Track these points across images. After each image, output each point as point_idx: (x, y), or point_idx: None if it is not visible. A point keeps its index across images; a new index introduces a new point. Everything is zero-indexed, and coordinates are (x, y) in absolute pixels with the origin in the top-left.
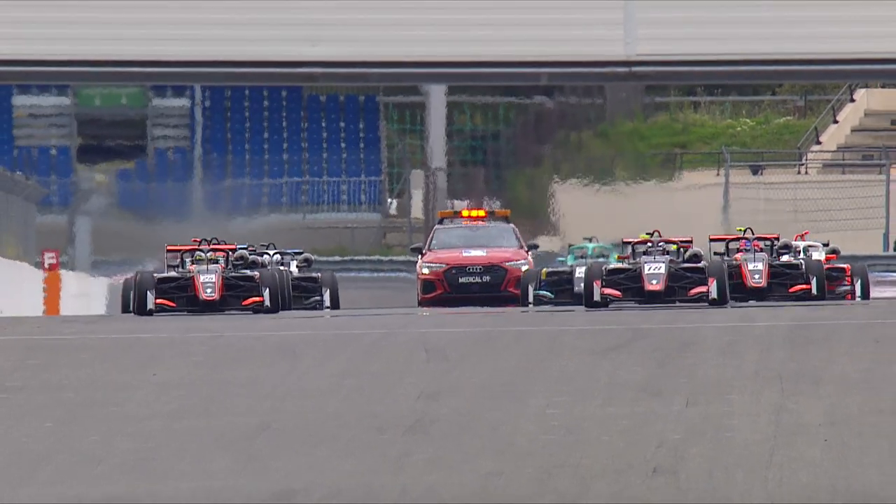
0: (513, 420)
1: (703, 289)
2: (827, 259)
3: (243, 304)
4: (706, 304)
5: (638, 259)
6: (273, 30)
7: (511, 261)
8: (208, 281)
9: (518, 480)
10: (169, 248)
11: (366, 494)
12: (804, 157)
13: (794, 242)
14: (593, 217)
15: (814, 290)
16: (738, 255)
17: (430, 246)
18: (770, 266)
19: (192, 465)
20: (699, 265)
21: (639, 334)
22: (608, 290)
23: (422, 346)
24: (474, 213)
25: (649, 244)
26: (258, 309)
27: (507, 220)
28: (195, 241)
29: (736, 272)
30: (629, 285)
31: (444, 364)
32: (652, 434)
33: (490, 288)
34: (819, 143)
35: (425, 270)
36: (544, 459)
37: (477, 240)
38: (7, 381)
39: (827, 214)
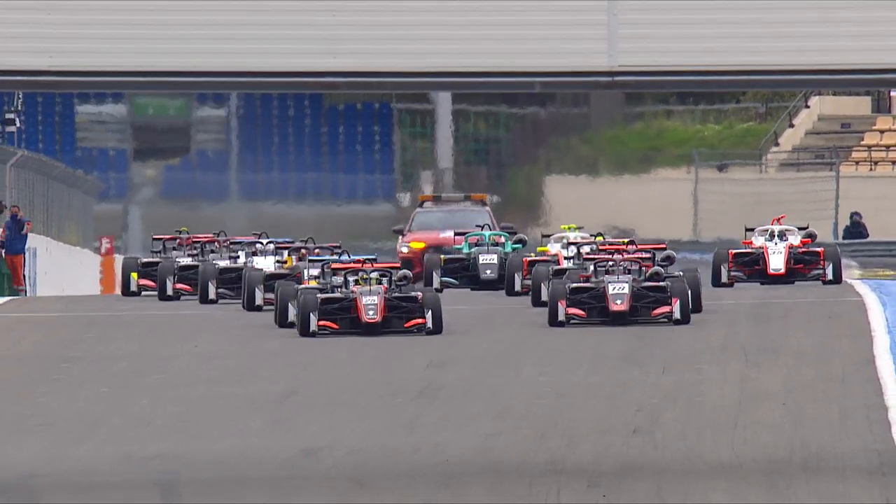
0: (510, 387)
1: (666, 309)
2: (802, 243)
3: (406, 326)
4: (671, 323)
5: (601, 278)
6: (298, 44)
7: None
8: (370, 303)
9: (515, 440)
10: (154, 237)
11: (381, 452)
12: (764, 157)
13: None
14: (579, 208)
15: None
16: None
17: (410, 227)
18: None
19: (229, 425)
20: (661, 284)
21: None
22: (573, 310)
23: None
24: (452, 196)
25: (611, 263)
26: (420, 330)
27: (483, 203)
28: (255, 234)
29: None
30: (593, 304)
31: (448, 338)
32: (632, 399)
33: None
34: (777, 144)
35: (404, 250)
36: (537, 421)
37: (454, 222)
38: (68, 352)
39: (784, 206)
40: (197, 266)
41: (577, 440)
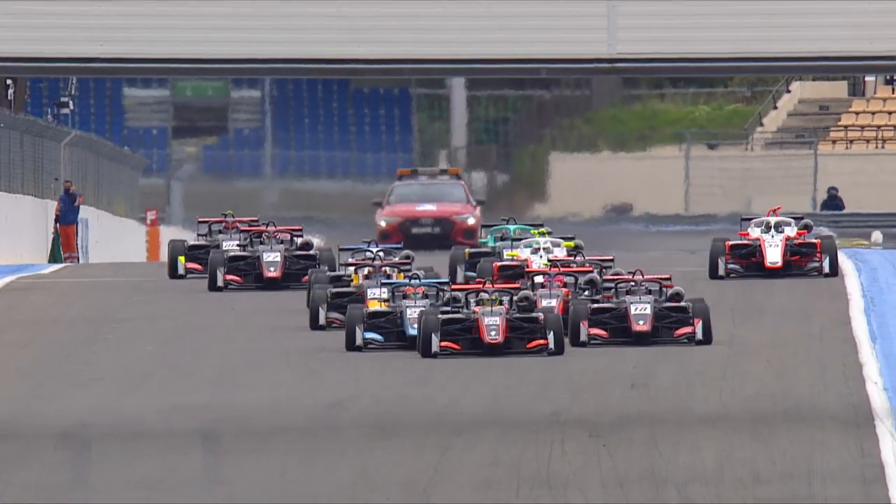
0: (515, 355)
1: (689, 329)
2: (798, 234)
3: (528, 347)
4: (692, 343)
5: (622, 298)
6: (326, 34)
7: (459, 214)
8: (493, 323)
9: (521, 392)
10: (200, 219)
11: (400, 402)
12: (750, 137)
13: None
14: (581, 183)
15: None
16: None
17: (388, 200)
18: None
19: (264, 378)
20: (682, 304)
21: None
22: (595, 331)
23: None
24: (429, 170)
25: (632, 283)
26: (542, 351)
27: (458, 177)
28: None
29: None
30: (615, 325)
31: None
32: (628, 357)
33: (440, 238)
34: (762, 125)
35: (382, 223)
36: (542, 375)
37: (430, 195)
38: (117, 314)
39: (768, 181)
40: (248, 257)
41: (579, 394)
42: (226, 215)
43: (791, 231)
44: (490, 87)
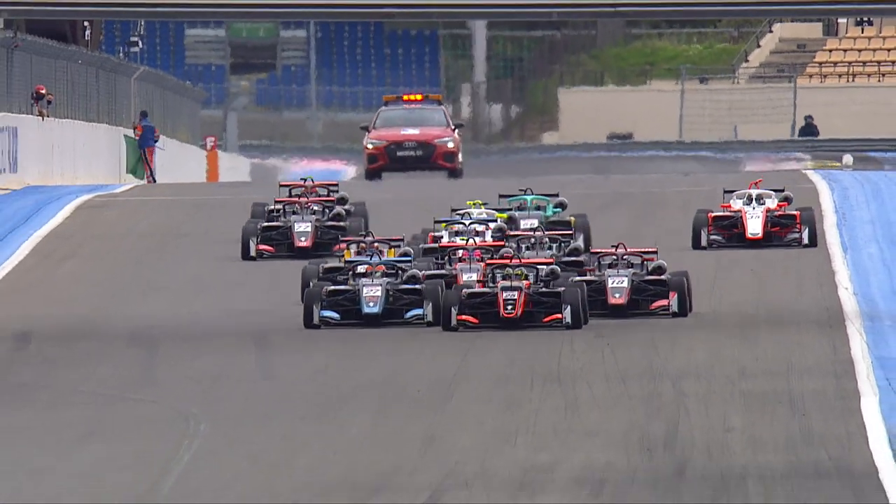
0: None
1: (664, 302)
2: (779, 206)
3: (544, 321)
4: (669, 316)
5: (603, 272)
6: None
7: (440, 138)
8: (510, 298)
9: None
10: (282, 182)
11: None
12: (737, 71)
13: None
14: (587, 113)
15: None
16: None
17: (374, 125)
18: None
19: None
20: (662, 278)
21: (619, 195)
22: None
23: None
24: (413, 96)
25: (614, 257)
26: (559, 324)
27: (439, 103)
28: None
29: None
30: (595, 297)
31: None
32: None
33: (422, 160)
34: (747, 61)
35: (370, 146)
36: None
37: (413, 120)
38: (181, 229)
39: (752, 111)
40: (280, 227)
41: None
42: (305, 179)
43: (772, 203)
44: (507, 29)
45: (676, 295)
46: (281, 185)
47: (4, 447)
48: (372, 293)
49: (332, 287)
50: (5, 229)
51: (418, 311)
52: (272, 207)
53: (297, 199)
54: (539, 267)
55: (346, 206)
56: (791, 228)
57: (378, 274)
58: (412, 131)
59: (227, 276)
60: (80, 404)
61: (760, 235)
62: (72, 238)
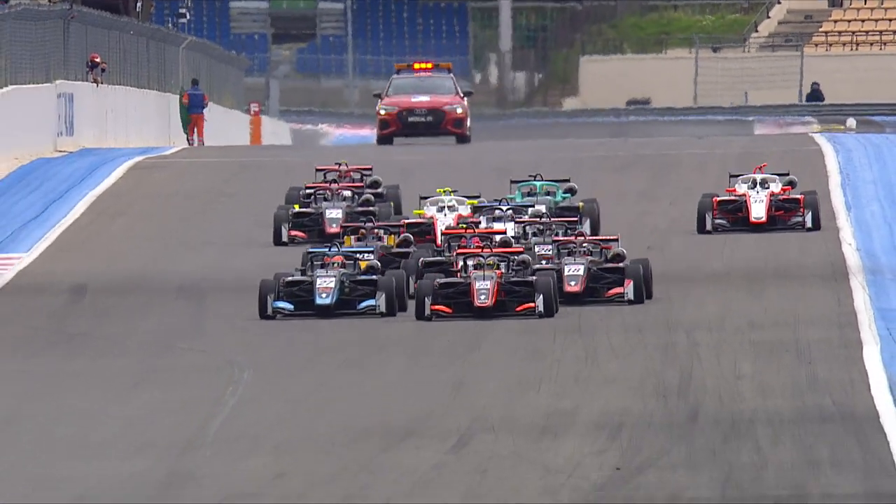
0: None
1: (619, 290)
2: (783, 190)
3: (517, 310)
4: (625, 303)
5: (560, 259)
6: None
7: (449, 104)
8: (483, 288)
9: None
10: (317, 167)
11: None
12: (747, 41)
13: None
14: (606, 80)
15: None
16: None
17: (387, 92)
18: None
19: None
20: (619, 265)
21: (637, 157)
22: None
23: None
24: (423, 65)
25: (572, 244)
26: (532, 313)
27: (448, 71)
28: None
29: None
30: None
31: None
32: (647, 223)
33: (432, 126)
34: (757, 31)
35: (382, 112)
36: None
37: (424, 88)
38: (225, 188)
39: (762, 78)
40: (311, 213)
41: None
42: (339, 164)
43: (776, 187)
44: (531, 0)
45: (633, 283)
46: (317, 170)
47: (61, 393)
48: (325, 284)
49: (289, 278)
50: (62, 189)
51: (371, 302)
52: (305, 192)
53: (328, 184)
54: (512, 256)
55: (379, 190)
56: (795, 212)
57: (337, 264)
58: (423, 98)
59: (269, 233)
60: (131, 353)
61: (764, 219)
62: (124, 197)
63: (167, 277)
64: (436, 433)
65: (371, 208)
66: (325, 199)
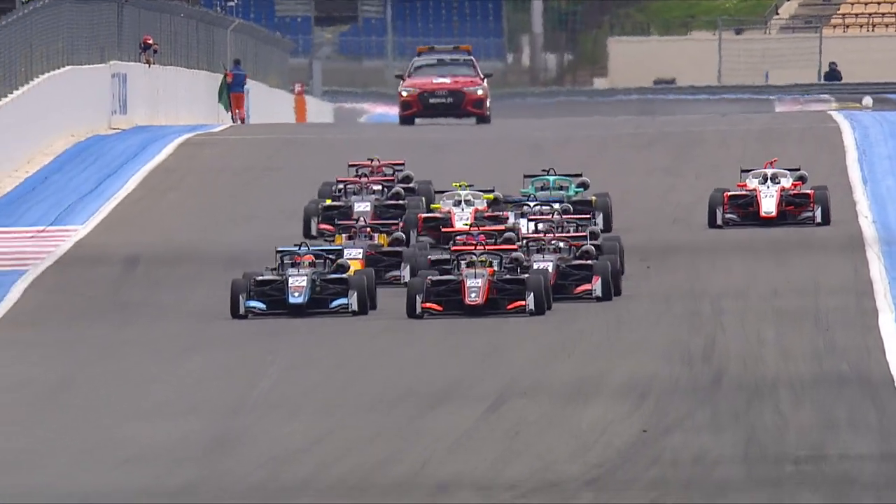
0: None
1: (587, 287)
2: (794, 185)
3: (508, 308)
4: (593, 300)
5: (530, 257)
6: None
7: (470, 86)
8: (474, 286)
9: None
10: (339, 179)
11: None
12: (769, 23)
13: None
14: (633, 61)
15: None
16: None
17: (409, 73)
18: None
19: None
20: (588, 262)
21: (663, 134)
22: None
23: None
24: (444, 47)
25: (541, 242)
26: (522, 311)
27: (469, 53)
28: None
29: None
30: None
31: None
32: (674, 195)
33: (453, 107)
34: (778, 13)
35: (404, 93)
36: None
37: (445, 69)
38: (271, 164)
39: (782, 58)
40: (341, 206)
41: (634, 229)
42: (372, 159)
43: (786, 182)
44: None
45: (600, 279)
46: (349, 165)
47: (114, 359)
48: (297, 283)
49: (260, 278)
50: (116, 164)
51: (343, 301)
52: (327, 203)
53: (358, 178)
54: (503, 254)
55: (411, 185)
56: (805, 207)
57: (306, 263)
58: (444, 80)
59: (310, 199)
60: (182, 321)
61: (774, 214)
62: (174, 172)
63: (216, 249)
64: (469, 398)
65: (401, 202)
66: (355, 194)
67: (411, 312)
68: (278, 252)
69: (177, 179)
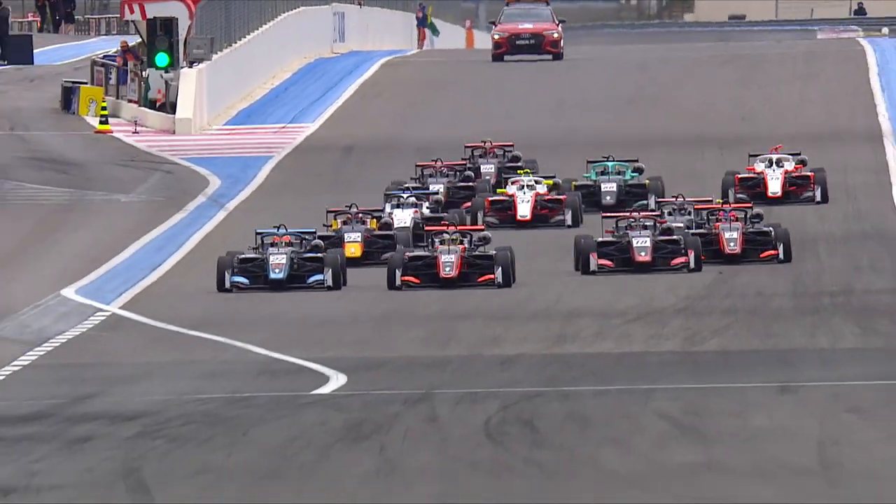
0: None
1: (683, 259)
2: (796, 168)
3: (478, 280)
4: (686, 271)
5: (625, 233)
6: None
7: (548, 30)
8: (448, 261)
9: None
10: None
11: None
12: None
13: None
14: (714, 1)
15: (781, 255)
16: (717, 224)
17: (500, 20)
18: (744, 234)
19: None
20: (675, 237)
21: (736, 56)
22: (603, 261)
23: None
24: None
25: (632, 219)
26: (492, 284)
27: (547, 3)
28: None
29: (714, 239)
30: (620, 256)
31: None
32: (743, 105)
33: (534, 47)
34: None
35: (496, 36)
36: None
37: (528, 17)
38: (448, 78)
39: None
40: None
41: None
42: (485, 141)
43: (790, 166)
44: None
45: (693, 253)
46: (465, 147)
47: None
48: (277, 261)
49: (243, 256)
50: (336, 79)
51: (319, 277)
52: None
53: (433, 163)
54: (472, 233)
55: (518, 164)
56: (806, 188)
57: (284, 243)
58: (527, 25)
59: (478, 104)
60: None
61: (780, 194)
62: (379, 84)
63: (409, 140)
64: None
65: (471, 183)
66: (430, 176)
67: (391, 284)
68: (258, 234)
69: (381, 89)
